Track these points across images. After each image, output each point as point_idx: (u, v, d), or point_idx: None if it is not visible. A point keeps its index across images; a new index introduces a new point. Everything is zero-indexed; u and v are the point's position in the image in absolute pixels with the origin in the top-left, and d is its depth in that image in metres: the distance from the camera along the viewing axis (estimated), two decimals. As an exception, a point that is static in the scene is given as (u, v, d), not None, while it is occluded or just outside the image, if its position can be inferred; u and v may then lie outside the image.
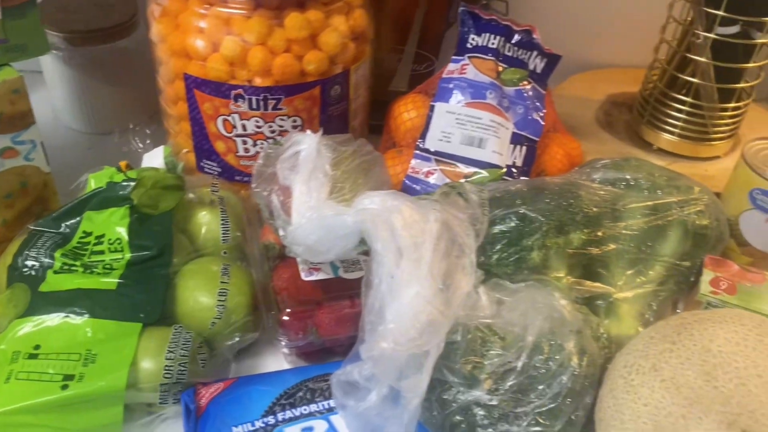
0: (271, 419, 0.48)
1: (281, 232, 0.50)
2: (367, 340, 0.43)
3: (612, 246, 0.55)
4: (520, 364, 0.46)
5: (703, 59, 0.71)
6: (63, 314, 0.50)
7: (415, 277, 0.45)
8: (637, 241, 0.56)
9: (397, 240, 0.45)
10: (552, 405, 0.45)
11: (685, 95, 0.74)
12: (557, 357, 0.46)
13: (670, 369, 0.42)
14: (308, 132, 0.51)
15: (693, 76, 0.73)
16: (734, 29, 0.70)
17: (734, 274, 0.57)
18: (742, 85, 0.73)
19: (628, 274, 0.56)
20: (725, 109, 0.74)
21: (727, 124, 0.75)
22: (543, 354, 0.46)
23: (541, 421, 0.45)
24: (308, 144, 0.50)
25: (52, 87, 0.81)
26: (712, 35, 0.70)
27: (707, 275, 0.56)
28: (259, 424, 0.47)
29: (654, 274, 0.57)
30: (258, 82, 0.58)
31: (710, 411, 0.40)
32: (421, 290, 0.45)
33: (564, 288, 0.54)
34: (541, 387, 0.46)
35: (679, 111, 0.75)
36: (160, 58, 0.63)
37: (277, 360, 0.57)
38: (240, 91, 0.58)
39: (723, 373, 0.41)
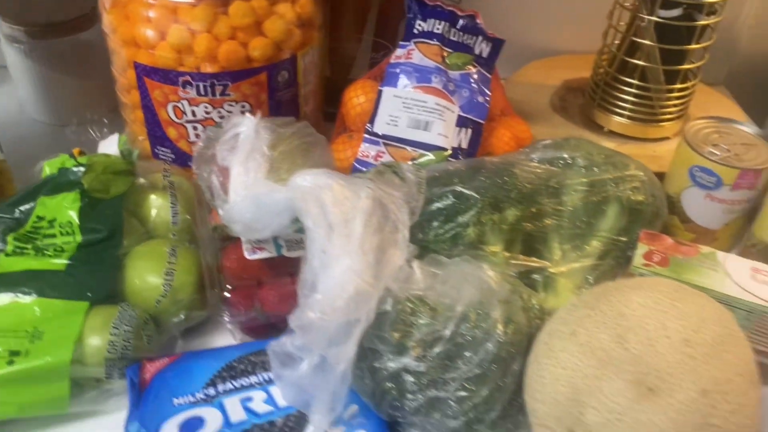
0: (211, 390, 0.50)
1: (220, 212, 0.52)
2: (295, 312, 0.45)
3: (548, 222, 0.57)
4: (447, 332, 0.48)
5: (647, 42, 0.73)
6: (12, 294, 0.52)
7: (346, 251, 0.47)
8: (574, 217, 0.58)
9: (328, 216, 0.47)
10: (478, 371, 0.47)
11: (634, 78, 0.76)
12: (483, 325, 0.48)
13: (586, 333, 0.44)
14: (247, 115, 0.53)
15: (641, 60, 0.74)
16: (677, 12, 0.72)
17: (668, 247, 0.58)
18: (687, 66, 0.74)
19: (566, 249, 0.58)
20: (672, 90, 0.76)
21: (674, 105, 0.77)
22: (470, 322, 0.48)
23: (467, 386, 0.47)
24: (247, 126, 0.52)
25: (16, 79, 0.82)
26: (654, 18, 0.71)
27: (641, 249, 0.58)
28: (199, 395, 0.49)
29: (591, 249, 0.59)
30: (205, 68, 0.60)
31: (621, 371, 0.42)
32: (351, 263, 0.47)
33: (501, 263, 0.56)
34: (467, 354, 0.47)
35: (629, 94, 0.77)
36: (113, 48, 0.64)
37: (225, 339, 0.58)
38: (188, 77, 0.60)
39: (634, 336, 0.43)
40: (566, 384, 0.44)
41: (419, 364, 0.47)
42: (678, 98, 0.77)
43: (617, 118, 0.79)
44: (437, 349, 0.47)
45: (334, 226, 0.47)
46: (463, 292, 0.50)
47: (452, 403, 0.48)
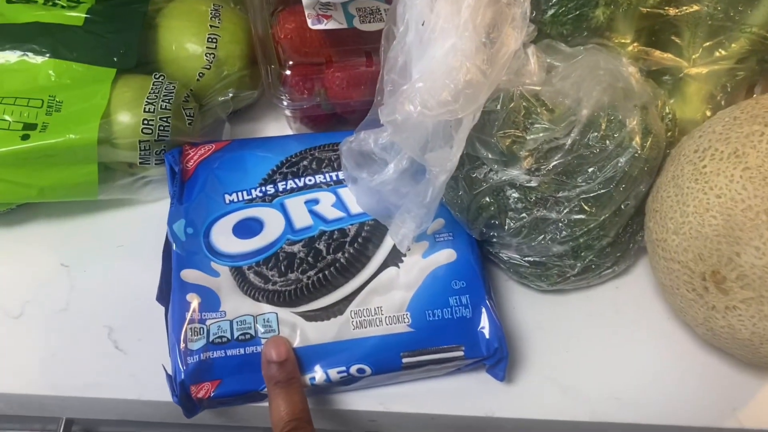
0: (270, 188, 0.41)
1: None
2: (388, 102, 0.35)
3: (695, 7, 0.45)
4: (569, 141, 0.38)
5: None
6: (20, 52, 0.42)
7: (453, 25, 0.36)
8: (724, 3, 0.46)
9: (433, -26, 0.35)
10: (602, 190, 0.38)
11: None
12: (616, 135, 0.38)
13: (757, 156, 0.35)
14: None
15: None
16: None
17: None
18: None
19: (706, 46, 0.46)
20: None
21: None
22: (599, 131, 0.38)
23: (585, 208, 0.39)
24: None
25: None
26: None
27: (802, 52, 0.46)
28: (256, 193, 0.41)
29: (736, 47, 0.47)
30: None
31: (803, 208, 0.33)
32: (458, 42, 0.35)
33: (628, 56, 0.44)
34: (591, 169, 0.38)
35: None
36: None
37: (280, 126, 0.49)
38: None
39: (827, 165, 0.33)
40: (719, 215, 0.35)
41: (530, 178, 0.38)
42: None
43: None
44: (554, 162, 0.38)
45: (440, -10, 0.35)
46: (588, 91, 0.39)
47: (562, 225, 0.39)
